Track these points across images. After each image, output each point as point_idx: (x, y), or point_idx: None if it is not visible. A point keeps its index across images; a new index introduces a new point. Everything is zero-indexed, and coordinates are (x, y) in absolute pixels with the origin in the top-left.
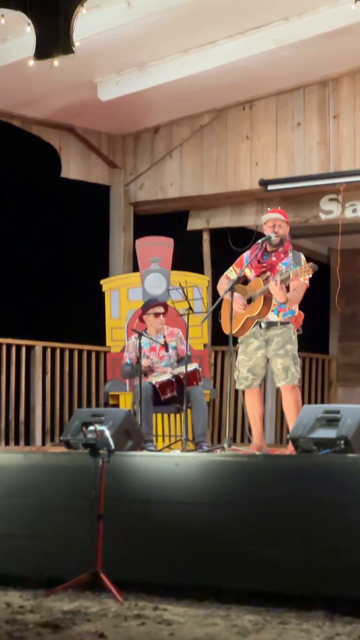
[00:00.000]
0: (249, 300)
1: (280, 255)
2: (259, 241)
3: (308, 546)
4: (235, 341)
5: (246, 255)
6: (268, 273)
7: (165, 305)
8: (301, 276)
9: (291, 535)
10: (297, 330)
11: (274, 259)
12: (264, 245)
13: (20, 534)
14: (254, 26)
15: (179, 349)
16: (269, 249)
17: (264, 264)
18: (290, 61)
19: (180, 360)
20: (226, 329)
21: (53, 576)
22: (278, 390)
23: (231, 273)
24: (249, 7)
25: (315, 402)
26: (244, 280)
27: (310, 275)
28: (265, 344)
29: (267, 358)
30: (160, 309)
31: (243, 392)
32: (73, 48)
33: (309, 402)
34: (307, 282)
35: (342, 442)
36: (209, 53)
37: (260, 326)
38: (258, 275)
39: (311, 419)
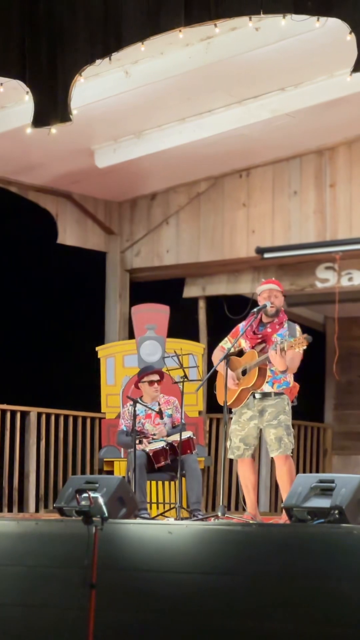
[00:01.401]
0: (244, 372)
1: (276, 327)
2: (254, 310)
3: (301, 618)
4: (230, 411)
5: (242, 325)
6: (263, 344)
7: (160, 373)
8: (296, 347)
9: (285, 607)
10: (292, 402)
11: (269, 330)
12: (259, 315)
13: (11, 602)
14: (250, 96)
15: (174, 417)
16: (264, 320)
17: (259, 335)
18: (286, 130)
19: (175, 428)
20: (221, 400)
21: None
22: (272, 460)
23: (226, 344)
24: (245, 77)
25: (310, 471)
26: (239, 352)
27: (306, 347)
28: (258, 414)
29: (260, 428)
30: (155, 377)
31: (236, 461)
32: (71, 116)
33: (304, 471)
34: (301, 352)
35: (336, 512)
36: (206, 121)
37: (254, 397)
38: (253, 347)
39: (305, 488)
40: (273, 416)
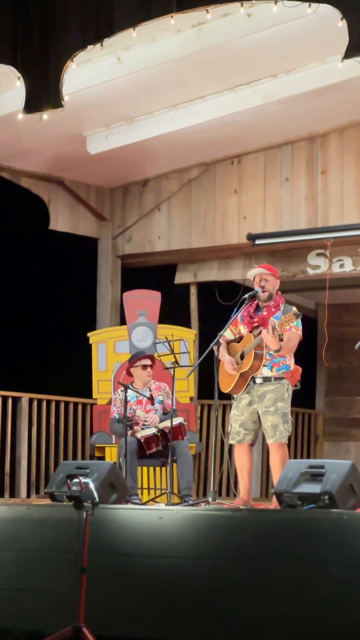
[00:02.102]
0: (242, 356)
1: (272, 310)
2: (245, 296)
3: (293, 603)
4: (226, 394)
5: (239, 314)
6: (260, 328)
7: (152, 358)
8: (286, 325)
9: (275, 591)
10: (295, 386)
11: (265, 313)
12: (254, 301)
13: (2, 587)
14: (242, 82)
15: (166, 403)
16: (260, 304)
17: (256, 319)
18: (278, 117)
19: (166, 414)
20: (223, 388)
21: (36, 630)
22: (264, 445)
23: (227, 333)
24: (237, 64)
25: (302, 457)
26: (240, 339)
27: (296, 323)
28: (257, 399)
29: (258, 413)
30: (148, 362)
31: (232, 446)
32: (62, 102)
33: (295, 457)
34: (299, 332)
35: (326, 497)
36: (197, 108)
37: (254, 382)
38: (251, 331)
39: (295, 473)
40: (271, 402)
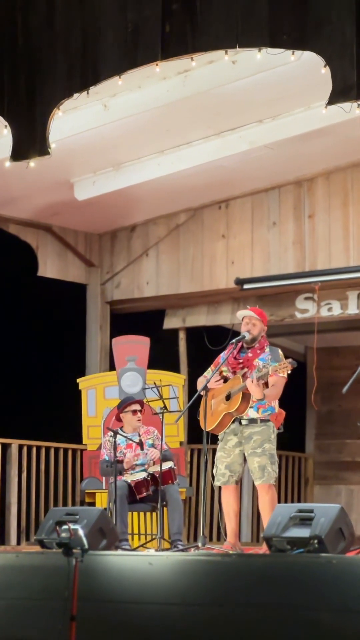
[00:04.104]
0: (228, 397)
1: (257, 352)
2: (233, 341)
3: None
4: (215, 438)
5: (223, 354)
6: (245, 369)
7: (141, 403)
8: (280, 372)
9: (266, 637)
10: (278, 429)
11: (250, 355)
12: (239, 343)
13: None
14: (228, 128)
15: (157, 445)
16: (245, 345)
17: (240, 360)
18: (265, 162)
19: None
20: (204, 425)
21: None
22: (254, 489)
23: (209, 373)
24: (223, 109)
25: (292, 500)
26: (223, 380)
27: (290, 372)
28: (244, 441)
29: (244, 455)
30: (137, 407)
31: (220, 488)
32: (49, 150)
33: (285, 500)
34: (286, 376)
35: (315, 541)
36: (184, 153)
37: (240, 423)
38: (235, 372)
39: (285, 517)
40: (258, 444)
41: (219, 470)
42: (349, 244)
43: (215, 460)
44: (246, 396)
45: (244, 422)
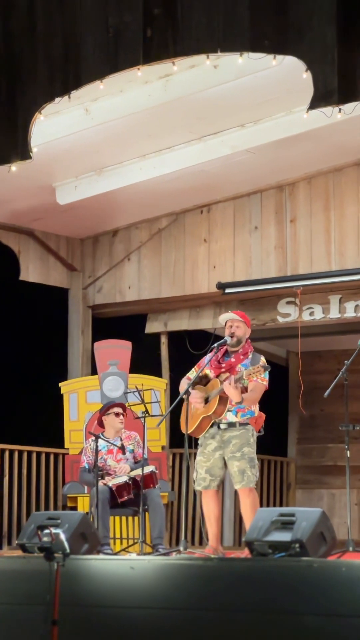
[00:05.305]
0: (206, 400)
1: (240, 357)
2: (215, 345)
3: None
4: (195, 442)
5: (207, 357)
6: (227, 374)
7: (124, 407)
8: (253, 376)
9: None
10: (258, 432)
11: (233, 360)
12: (223, 347)
13: None
14: (210, 132)
15: (136, 452)
16: (229, 349)
17: (223, 365)
18: (247, 166)
19: (137, 463)
20: (184, 429)
21: None
22: (237, 493)
23: (192, 374)
24: (205, 114)
25: (274, 504)
26: (206, 382)
27: (264, 375)
28: (223, 445)
29: (224, 459)
30: (120, 409)
31: (201, 493)
32: (31, 154)
33: (268, 504)
34: (265, 383)
35: (297, 545)
36: (166, 158)
37: (219, 427)
38: (217, 376)
39: (266, 522)
40: (237, 448)
41: (199, 475)
42: (331, 249)
43: (195, 464)
44: (223, 399)
45: (222, 426)
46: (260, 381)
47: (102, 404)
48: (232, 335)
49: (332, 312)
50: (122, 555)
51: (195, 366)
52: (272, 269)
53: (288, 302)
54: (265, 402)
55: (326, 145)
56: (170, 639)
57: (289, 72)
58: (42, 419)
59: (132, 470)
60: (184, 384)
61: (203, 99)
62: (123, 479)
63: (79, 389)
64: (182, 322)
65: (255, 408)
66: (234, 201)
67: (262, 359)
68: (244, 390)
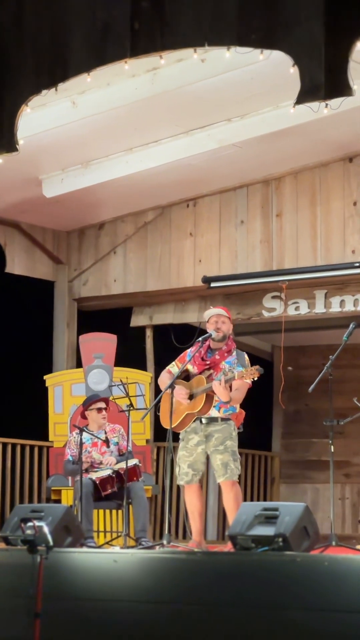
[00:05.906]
0: (191, 397)
1: (224, 354)
2: (200, 339)
3: None
4: (176, 436)
5: (189, 351)
6: (211, 371)
7: (106, 401)
8: (247, 378)
9: (230, 635)
10: (238, 428)
11: (217, 357)
12: (207, 342)
13: None
14: (197, 126)
15: (121, 444)
16: (212, 346)
17: (207, 362)
18: (233, 160)
19: (121, 456)
20: (165, 423)
21: None
22: (220, 486)
23: (173, 367)
24: (192, 108)
25: (258, 499)
26: (185, 376)
27: (256, 378)
28: (205, 439)
29: (207, 453)
30: (102, 404)
31: (184, 487)
32: (17, 146)
33: (252, 499)
34: (250, 382)
35: (280, 539)
36: (153, 151)
37: (201, 422)
38: (201, 373)
39: (250, 516)
40: (220, 441)
41: (182, 470)
42: (317, 244)
43: (177, 459)
44: (209, 397)
45: (204, 420)
46: (247, 381)
47: (86, 396)
48: (218, 330)
49: (317, 307)
50: (106, 549)
51: (177, 360)
52: (257, 263)
53: (273, 297)
54: (250, 397)
55: (313, 140)
56: (153, 632)
57: (276, 67)
58: (26, 411)
59: (117, 462)
60: (164, 377)
61: (190, 92)
62: (107, 472)
63: (64, 382)
64: (167, 316)
65: (237, 405)
66: (220, 195)
67: (247, 357)
68: (230, 389)
